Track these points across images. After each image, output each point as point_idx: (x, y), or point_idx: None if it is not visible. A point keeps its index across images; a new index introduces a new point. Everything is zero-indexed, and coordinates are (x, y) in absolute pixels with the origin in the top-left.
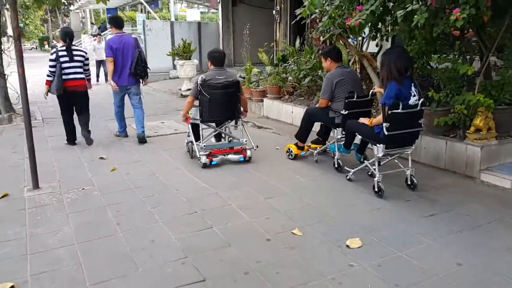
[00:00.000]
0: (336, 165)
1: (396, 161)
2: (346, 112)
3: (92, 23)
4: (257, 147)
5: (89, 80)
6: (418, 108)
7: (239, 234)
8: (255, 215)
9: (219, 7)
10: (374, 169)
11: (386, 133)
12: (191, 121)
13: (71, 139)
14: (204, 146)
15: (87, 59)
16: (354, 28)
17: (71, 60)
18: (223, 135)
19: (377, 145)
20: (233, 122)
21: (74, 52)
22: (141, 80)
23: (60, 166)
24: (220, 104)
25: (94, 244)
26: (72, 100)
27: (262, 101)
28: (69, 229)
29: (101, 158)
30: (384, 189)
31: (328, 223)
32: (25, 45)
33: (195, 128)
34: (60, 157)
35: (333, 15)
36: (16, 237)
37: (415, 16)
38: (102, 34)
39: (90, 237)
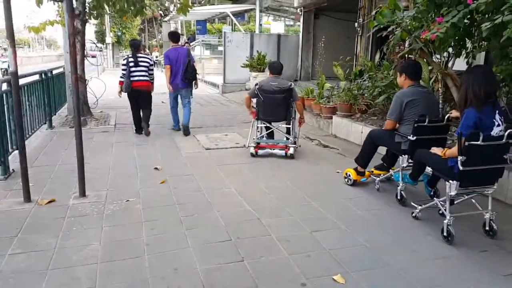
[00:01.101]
0: (399, 197)
1: (474, 201)
2: (414, 138)
3: (182, 34)
4: (299, 146)
5: (152, 83)
6: (504, 140)
7: (271, 273)
8: (295, 251)
9: (301, 19)
10: (445, 209)
11: (461, 168)
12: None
13: (137, 129)
14: (253, 139)
15: (152, 65)
16: (435, 42)
17: (137, 65)
18: (280, 132)
19: (450, 181)
20: (284, 124)
21: (140, 59)
22: (193, 84)
23: (115, 174)
24: (271, 106)
25: (116, 265)
26: (138, 97)
27: (331, 118)
28: (98, 245)
29: (156, 168)
30: (455, 234)
31: (380, 271)
32: (121, 52)
33: (255, 125)
34: (119, 164)
35: (409, 27)
36: (45, 248)
37: (507, 29)
38: (191, 43)
39: (115, 257)
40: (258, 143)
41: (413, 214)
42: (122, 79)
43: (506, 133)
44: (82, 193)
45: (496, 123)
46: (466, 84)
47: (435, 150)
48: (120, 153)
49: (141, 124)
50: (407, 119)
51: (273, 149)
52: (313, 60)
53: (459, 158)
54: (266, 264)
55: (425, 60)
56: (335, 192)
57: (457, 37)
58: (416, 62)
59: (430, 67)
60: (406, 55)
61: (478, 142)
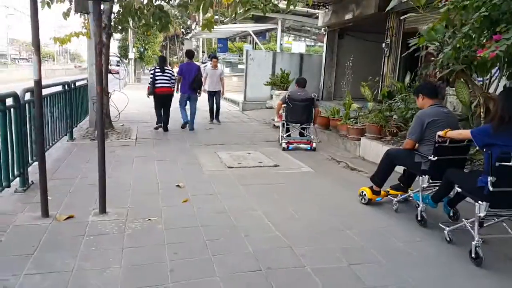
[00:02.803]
0: (419, 218)
1: (505, 225)
2: (436, 158)
3: (203, 52)
4: (320, 141)
5: (173, 89)
6: None
7: None
8: (333, 286)
9: (324, 39)
10: (473, 230)
11: (491, 189)
12: (282, 120)
13: (158, 125)
14: (285, 136)
15: (173, 75)
16: (482, 63)
17: (163, 73)
18: (304, 133)
19: (480, 202)
20: (307, 125)
21: (165, 69)
22: (197, 92)
23: (136, 190)
24: (298, 111)
25: None
26: (161, 99)
27: (359, 139)
28: (119, 268)
29: (178, 186)
30: (484, 257)
31: None
32: (143, 68)
33: (283, 125)
34: (139, 180)
35: (458, 45)
36: (62, 269)
37: None
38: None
39: (136, 283)
40: (289, 140)
41: (446, 238)
42: (149, 85)
43: None
44: (103, 210)
45: None
46: (497, 105)
47: (439, 132)
48: (141, 168)
49: (161, 122)
50: (428, 139)
51: (300, 144)
52: (335, 80)
53: (489, 178)
54: None
55: (465, 81)
56: (368, 219)
57: None
58: (428, 81)
59: (470, 90)
60: (445, 77)
61: (510, 163)
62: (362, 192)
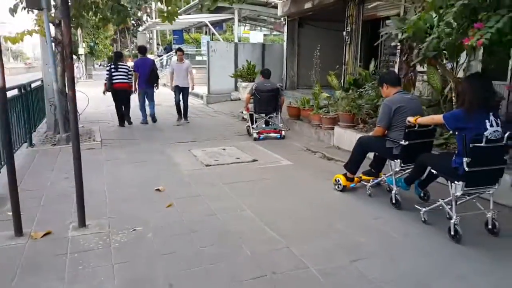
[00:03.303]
0: (393, 201)
1: (475, 200)
2: (407, 142)
3: (158, 44)
4: (289, 129)
5: (130, 84)
6: (504, 142)
7: None
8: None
9: (284, 28)
10: (450, 209)
11: (466, 169)
12: (250, 111)
13: (120, 122)
14: (255, 127)
15: (130, 70)
16: (452, 49)
17: (116, 71)
18: (270, 122)
19: (456, 182)
20: (274, 114)
21: (119, 66)
22: (154, 86)
23: (112, 198)
24: (265, 102)
25: None
26: (119, 95)
27: (332, 129)
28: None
29: (157, 190)
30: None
31: None
32: (96, 63)
33: (251, 116)
34: (114, 186)
35: (441, 35)
36: None
37: None
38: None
39: None
40: (259, 131)
41: (423, 219)
42: (105, 82)
43: (506, 135)
44: (82, 223)
45: (489, 124)
46: (464, 90)
47: (409, 118)
48: (113, 172)
49: (123, 119)
50: (396, 125)
51: (270, 133)
52: (298, 69)
53: (465, 159)
54: None
55: (437, 67)
56: (355, 210)
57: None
58: (390, 70)
59: (441, 75)
60: (417, 65)
61: (482, 144)
62: (337, 179)
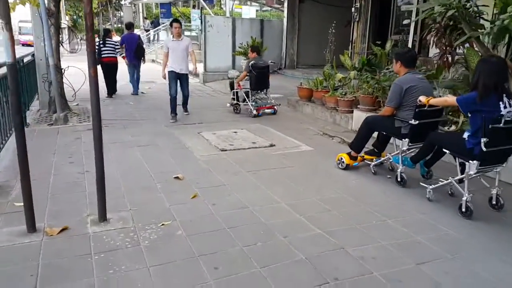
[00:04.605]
0: (399, 179)
1: (479, 177)
2: (417, 122)
3: (144, 18)
4: (279, 104)
5: (117, 59)
6: None
7: None
8: None
9: (285, 3)
10: (463, 188)
11: (484, 149)
12: (243, 88)
13: (109, 93)
14: (254, 104)
15: (117, 45)
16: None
17: (104, 46)
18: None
19: (470, 161)
20: (265, 90)
21: (107, 42)
22: (142, 59)
23: (129, 187)
24: (261, 78)
25: None
26: (107, 68)
27: (350, 112)
28: None
29: (176, 177)
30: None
31: None
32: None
33: (247, 93)
34: (127, 173)
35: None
36: None
37: None
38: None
39: None
40: (257, 108)
41: (428, 197)
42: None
43: None
44: (103, 217)
45: (503, 105)
46: (478, 73)
47: (421, 98)
48: (122, 157)
49: (109, 89)
50: (406, 105)
51: (266, 110)
52: (298, 47)
53: (483, 140)
54: None
55: (477, 48)
56: (401, 203)
57: None
58: (410, 49)
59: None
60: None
61: (500, 125)
62: (341, 157)
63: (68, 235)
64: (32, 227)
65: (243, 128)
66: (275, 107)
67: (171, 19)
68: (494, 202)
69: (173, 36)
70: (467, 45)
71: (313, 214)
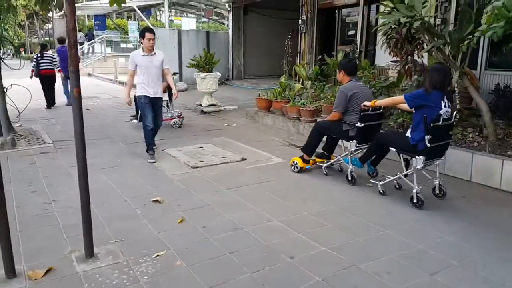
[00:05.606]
0: (349, 178)
1: (423, 172)
2: (362, 124)
3: (79, 30)
4: (180, 115)
5: (54, 71)
6: (452, 120)
7: None
8: None
9: (229, 15)
10: (412, 181)
11: (429, 145)
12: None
13: (48, 105)
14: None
15: (54, 58)
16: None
17: (42, 59)
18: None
19: (417, 157)
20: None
21: (44, 55)
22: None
23: (106, 216)
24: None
25: None
26: (46, 80)
27: (314, 121)
28: None
29: (156, 201)
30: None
31: None
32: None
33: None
34: (100, 199)
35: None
36: None
37: None
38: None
39: None
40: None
41: (380, 191)
42: (33, 68)
43: (454, 114)
44: (90, 253)
45: (443, 104)
46: (428, 76)
47: (366, 103)
48: (90, 181)
49: (51, 101)
50: (352, 109)
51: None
52: (244, 58)
53: (427, 137)
54: None
55: (441, 57)
56: (393, 211)
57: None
58: (351, 60)
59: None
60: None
61: (439, 123)
62: (294, 161)
63: (55, 277)
64: (11, 271)
65: (208, 143)
66: (176, 119)
67: (105, 32)
68: (437, 191)
69: (142, 50)
70: (426, 54)
71: (309, 230)
